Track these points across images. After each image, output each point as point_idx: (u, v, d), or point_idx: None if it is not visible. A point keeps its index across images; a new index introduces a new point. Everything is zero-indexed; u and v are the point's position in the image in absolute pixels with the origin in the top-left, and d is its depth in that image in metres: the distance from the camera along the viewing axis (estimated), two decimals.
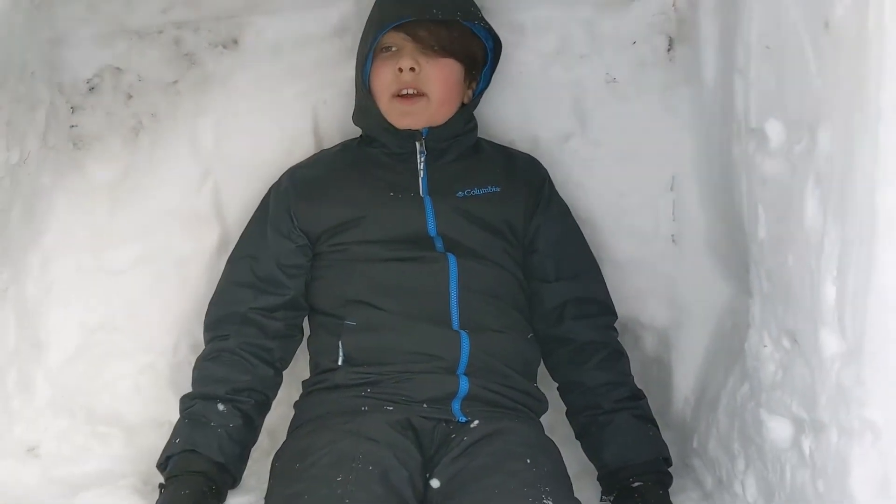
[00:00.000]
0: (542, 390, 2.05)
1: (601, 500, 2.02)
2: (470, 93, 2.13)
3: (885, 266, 1.36)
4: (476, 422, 1.89)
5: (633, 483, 1.95)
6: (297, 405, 2.02)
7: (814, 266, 1.54)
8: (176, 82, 2.25)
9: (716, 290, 2.15)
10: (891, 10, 1.31)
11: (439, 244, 2.02)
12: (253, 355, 1.99)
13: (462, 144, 2.11)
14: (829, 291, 1.49)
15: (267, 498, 1.83)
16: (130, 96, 2.25)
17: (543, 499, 1.69)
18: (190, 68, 2.26)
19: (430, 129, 2.06)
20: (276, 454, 1.92)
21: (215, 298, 2.07)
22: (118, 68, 2.24)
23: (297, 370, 2.14)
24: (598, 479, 2.03)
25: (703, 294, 2.19)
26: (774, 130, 1.68)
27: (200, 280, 2.21)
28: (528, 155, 2.21)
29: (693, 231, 2.22)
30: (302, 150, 2.25)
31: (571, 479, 1.88)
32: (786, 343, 1.69)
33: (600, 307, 2.11)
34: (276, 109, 2.27)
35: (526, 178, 2.13)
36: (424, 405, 1.90)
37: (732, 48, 1.87)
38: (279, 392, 2.06)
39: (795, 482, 1.61)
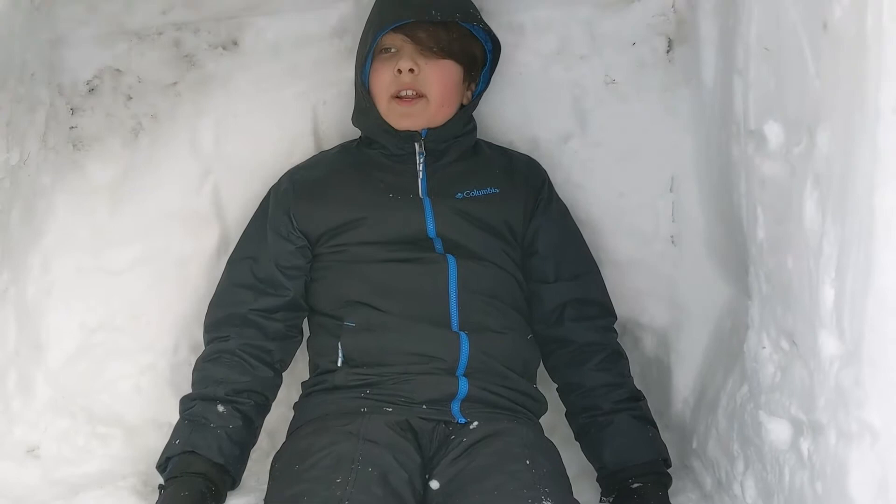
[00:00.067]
0: (542, 391, 2.05)
1: (600, 501, 2.02)
2: (469, 94, 2.13)
3: (884, 268, 1.35)
4: (475, 423, 1.89)
5: (633, 484, 1.95)
6: (296, 406, 2.02)
7: (812, 267, 1.54)
8: (176, 83, 2.25)
9: (715, 290, 2.15)
10: (889, 11, 1.31)
11: (439, 245, 2.02)
12: (253, 357, 1.99)
13: (461, 146, 2.11)
14: (828, 293, 1.49)
15: (266, 499, 1.83)
16: (130, 97, 2.24)
17: (543, 500, 1.69)
18: (190, 69, 2.26)
19: (430, 130, 2.06)
20: (275, 455, 1.92)
21: (215, 300, 2.08)
22: (118, 69, 2.24)
23: (297, 371, 2.14)
24: (598, 480, 2.03)
25: (702, 295, 2.19)
26: (773, 131, 1.68)
27: (200, 280, 2.21)
28: (528, 156, 2.21)
29: (692, 232, 2.22)
30: (301, 150, 2.25)
31: (571, 479, 1.88)
32: (784, 344, 1.69)
33: (600, 308, 2.11)
34: (275, 110, 2.27)
35: (525, 180, 2.13)
36: (424, 406, 1.90)
37: (732, 49, 1.87)
38: (279, 393, 2.06)
39: (794, 484, 1.61)
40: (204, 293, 2.14)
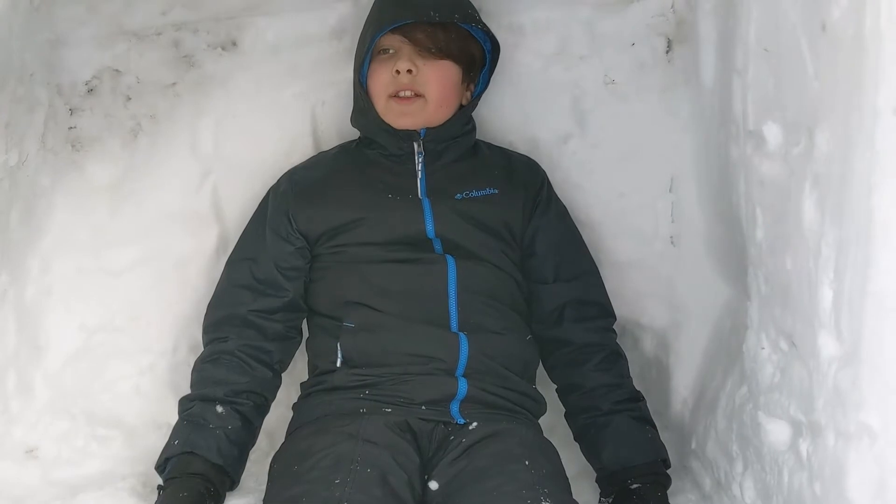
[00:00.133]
0: (541, 392, 2.05)
1: (600, 502, 2.02)
2: (468, 94, 2.13)
3: (882, 269, 1.36)
4: (475, 423, 1.89)
5: (632, 485, 1.95)
6: (295, 407, 2.02)
7: (811, 268, 1.54)
8: (175, 84, 2.25)
9: (714, 291, 2.14)
10: (887, 12, 1.31)
11: (438, 246, 2.02)
12: (252, 357, 1.99)
13: (460, 146, 2.11)
14: (827, 294, 1.49)
15: (265, 499, 1.83)
16: (129, 98, 2.25)
17: (542, 500, 1.69)
18: (189, 70, 2.26)
19: (428, 129, 2.06)
20: (274, 456, 1.92)
21: (214, 300, 2.07)
22: (117, 70, 2.24)
23: (296, 372, 2.14)
24: (597, 480, 2.03)
25: (701, 295, 2.19)
26: (772, 132, 1.68)
27: (200, 281, 2.21)
28: (527, 157, 2.20)
29: (692, 232, 2.22)
30: (301, 151, 2.25)
31: (570, 480, 1.88)
32: (783, 345, 1.69)
33: (599, 309, 2.11)
34: (274, 111, 2.27)
35: (524, 180, 2.13)
36: (423, 407, 1.90)
37: (731, 50, 1.87)
38: (278, 393, 2.06)
39: (793, 485, 1.61)
40: (203, 293, 2.14)
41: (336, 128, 2.27)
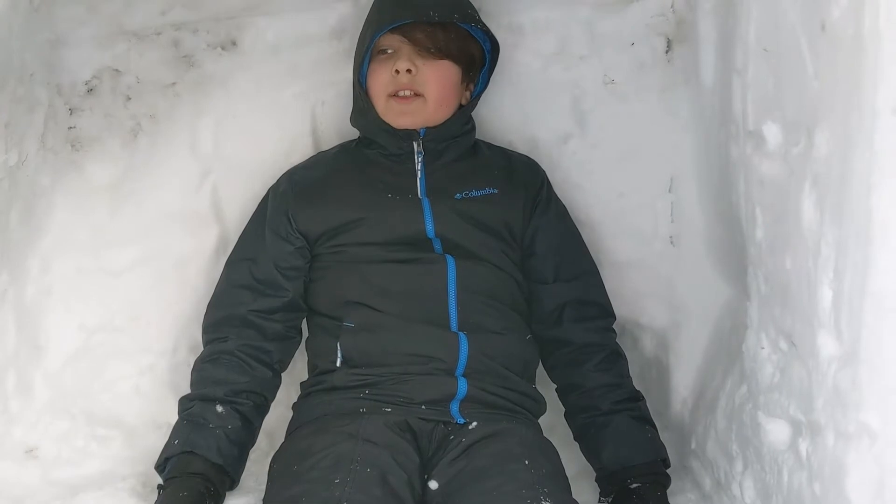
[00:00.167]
0: (541, 391, 2.05)
1: (599, 502, 2.02)
2: (468, 94, 2.13)
3: (881, 269, 1.35)
4: (474, 423, 1.89)
5: (632, 484, 1.95)
6: (295, 406, 2.02)
7: (811, 268, 1.54)
8: (175, 84, 2.25)
9: (714, 291, 2.15)
10: (886, 12, 1.31)
11: (438, 246, 2.02)
12: (251, 357, 1.99)
13: (460, 146, 2.11)
14: (826, 294, 1.49)
15: (265, 499, 1.83)
16: (129, 98, 2.25)
17: (542, 499, 1.69)
18: (189, 70, 2.26)
19: (428, 129, 2.06)
20: (274, 455, 1.92)
21: (214, 300, 2.07)
22: (117, 70, 2.24)
23: (296, 371, 2.14)
24: (597, 480, 2.03)
25: (701, 295, 2.19)
26: (772, 132, 1.68)
27: (200, 281, 2.21)
28: (527, 156, 2.20)
29: (691, 232, 2.22)
30: (300, 150, 2.25)
31: (570, 480, 1.88)
32: (783, 345, 1.69)
33: (599, 309, 2.11)
34: (274, 110, 2.27)
35: (524, 180, 2.13)
36: (423, 407, 1.90)
37: (731, 50, 1.87)
38: (278, 393, 2.06)
39: (792, 485, 1.61)
40: (203, 293, 2.14)
41: (336, 128, 2.27)
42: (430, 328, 1.95)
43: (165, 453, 1.90)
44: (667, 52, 2.25)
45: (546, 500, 1.69)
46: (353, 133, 2.18)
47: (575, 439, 2.07)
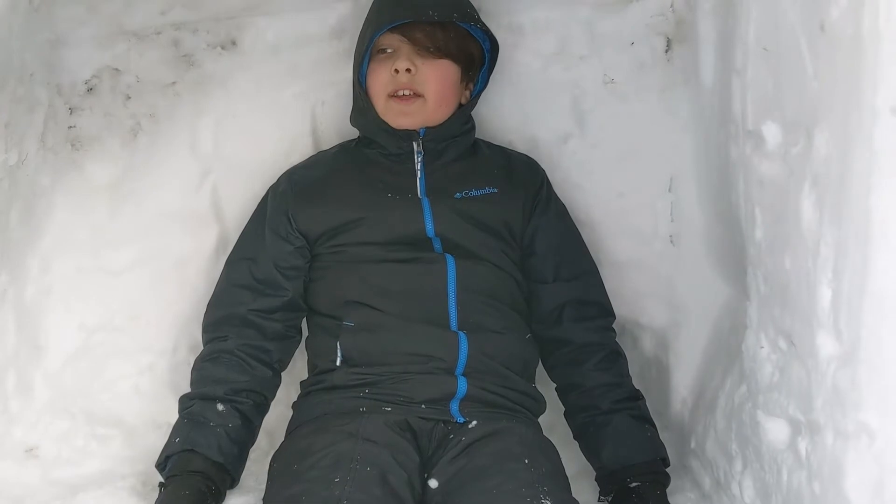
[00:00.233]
0: (541, 390, 2.05)
1: (599, 501, 2.02)
2: (467, 94, 2.14)
3: (880, 269, 1.36)
4: (474, 422, 1.89)
5: (631, 483, 1.95)
6: (295, 406, 2.02)
7: (810, 268, 1.54)
8: (174, 83, 2.25)
9: (714, 290, 2.14)
10: (885, 12, 1.31)
11: (437, 245, 2.02)
12: (251, 357, 1.99)
13: (460, 145, 2.11)
14: (825, 294, 1.49)
15: (265, 499, 1.83)
16: (129, 97, 2.24)
17: (542, 498, 1.69)
18: (188, 69, 2.25)
19: (428, 129, 2.06)
20: (274, 455, 1.92)
21: (214, 300, 2.08)
22: (117, 69, 2.24)
23: (296, 371, 2.14)
24: (596, 479, 2.03)
25: (701, 295, 2.19)
26: (771, 132, 1.68)
27: (199, 280, 2.21)
28: (527, 156, 2.21)
29: (691, 232, 2.22)
30: (300, 150, 2.25)
31: (570, 479, 1.88)
32: (782, 345, 1.69)
33: (599, 309, 2.11)
34: (274, 110, 2.27)
35: (524, 180, 2.13)
36: (423, 406, 1.90)
37: (730, 49, 1.87)
38: (278, 392, 2.06)
39: (792, 484, 1.61)
40: (203, 293, 2.14)
41: (336, 127, 2.27)
42: (429, 327, 1.95)
43: (166, 451, 1.90)
44: (666, 51, 2.25)
45: (546, 499, 1.69)
46: (353, 133, 2.18)
47: (575, 438, 2.07)
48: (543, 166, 2.20)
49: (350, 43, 2.20)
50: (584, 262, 2.14)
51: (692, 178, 2.21)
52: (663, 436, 2.06)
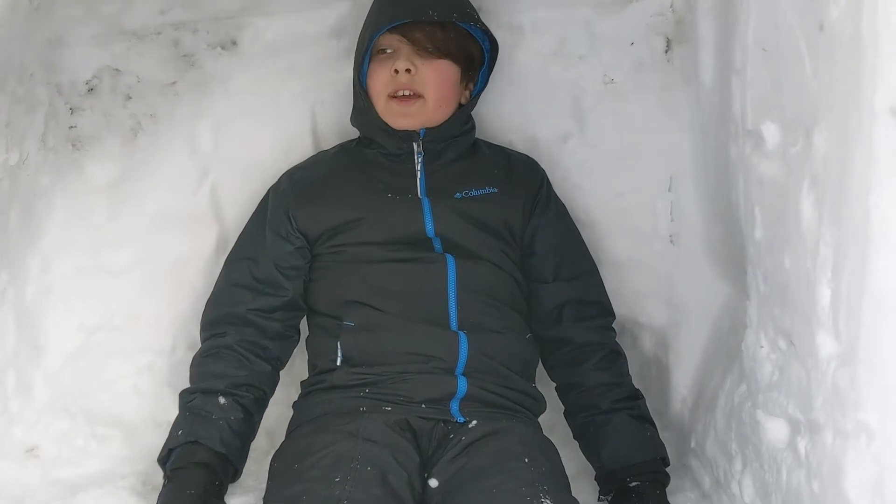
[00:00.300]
0: (541, 390, 2.05)
1: (599, 500, 2.02)
2: (467, 94, 2.14)
3: (879, 269, 1.35)
4: (474, 422, 1.89)
5: (631, 483, 1.95)
6: (295, 405, 2.02)
7: (809, 267, 1.54)
8: (174, 83, 2.25)
9: (713, 290, 2.15)
10: (884, 12, 1.31)
11: (438, 245, 2.03)
12: (250, 352, 1.99)
13: (460, 145, 2.12)
14: (825, 293, 1.49)
15: (265, 498, 1.83)
16: (129, 97, 2.25)
17: (542, 498, 1.69)
18: (188, 69, 2.26)
19: (427, 129, 2.06)
20: (274, 455, 1.92)
21: (213, 299, 2.08)
22: (117, 69, 2.24)
23: (296, 371, 2.14)
24: (596, 478, 2.03)
25: (700, 294, 2.19)
26: (770, 132, 1.68)
27: (199, 280, 2.21)
28: (526, 156, 2.21)
29: (691, 232, 2.22)
30: (300, 150, 2.25)
31: (570, 479, 1.88)
32: (782, 344, 1.70)
33: (598, 308, 2.11)
34: (274, 110, 2.27)
35: (524, 179, 2.13)
36: (423, 405, 1.90)
37: (730, 49, 1.87)
38: (278, 392, 2.06)
39: (791, 483, 1.61)
40: (202, 293, 2.13)
41: (336, 127, 2.27)
42: (429, 327, 1.95)
43: (168, 445, 1.89)
44: (666, 51, 2.25)
45: (546, 498, 1.70)
46: (353, 133, 2.18)
47: (574, 438, 2.08)
48: (543, 166, 2.20)
49: (350, 43, 2.20)
50: (583, 262, 2.15)
51: (692, 177, 2.21)
52: (663, 435, 2.06)
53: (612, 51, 2.26)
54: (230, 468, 1.90)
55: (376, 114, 2.06)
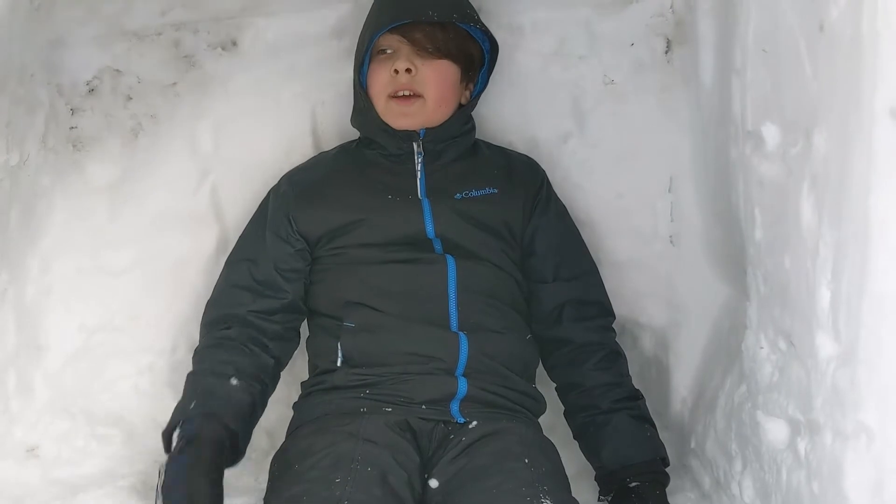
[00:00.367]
0: (541, 390, 2.05)
1: (599, 500, 2.02)
2: (467, 94, 2.14)
3: (879, 270, 1.35)
4: (474, 422, 1.89)
5: (631, 483, 1.95)
6: (295, 406, 2.02)
7: (809, 268, 1.54)
8: (175, 84, 2.26)
9: (713, 291, 2.15)
10: (884, 12, 1.31)
11: (438, 246, 2.03)
12: (254, 344, 1.97)
13: (460, 146, 2.12)
14: (825, 294, 1.49)
15: (265, 499, 1.82)
16: (130, 98, 2.25)
17: (542, 498, 1.69)
18: (189, 70, 2.26)
19: (428, 130, 2.06)
20: (274, 455, 1.92)
21: (213, 300, 2.07)
22: (117, 70, 2.24)
23: (296, 371, 2.14)
24: (596, 479, 2.03)
25: (700, 295, 2.19)
26: (770, 132, 1.68)
27: (199, 281, 2.21)
28: (527, 156, 2.21)
29: (691, 232, 2.22)
30: (300, 151, 2.25)
31: (570, 479, 1.88)
32: (782, 345, 1.70)
33: (599, 309, 2.11)
34: (274, 111, 2.27)
35: (524, 180, 2.13)
36: (423, 406, 1.90)
37: (730, 50, 1.87)
38: (278, 392, 2.05)
39: (791, 483, 1.61)
40: (202, 293, 2.13)
41: (336, 128, 2.27)
42: (430, 328, 1.95)
43: (179, 416, 1.84)
44: (666, 52, 2.25)
45: (546, 499, 1.70)
46: (353, 133, 2.18)
47: (574, 438, 2.07)
48: (543, 166, 2.20)
49: (350, 43, 2.20)
50: (583, 262, 2.15)
51: (692, 178, 2.21)
52: (663, 435, 2.06)
53: (612, 51, 2.26)
54: (237, 449, 1.86)
55: (376, 114, 2.06)
